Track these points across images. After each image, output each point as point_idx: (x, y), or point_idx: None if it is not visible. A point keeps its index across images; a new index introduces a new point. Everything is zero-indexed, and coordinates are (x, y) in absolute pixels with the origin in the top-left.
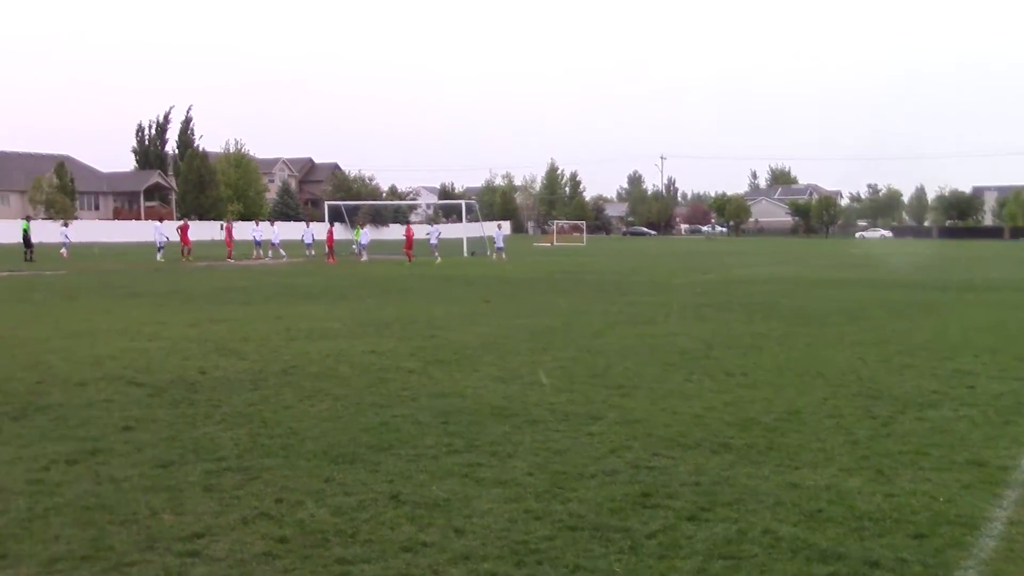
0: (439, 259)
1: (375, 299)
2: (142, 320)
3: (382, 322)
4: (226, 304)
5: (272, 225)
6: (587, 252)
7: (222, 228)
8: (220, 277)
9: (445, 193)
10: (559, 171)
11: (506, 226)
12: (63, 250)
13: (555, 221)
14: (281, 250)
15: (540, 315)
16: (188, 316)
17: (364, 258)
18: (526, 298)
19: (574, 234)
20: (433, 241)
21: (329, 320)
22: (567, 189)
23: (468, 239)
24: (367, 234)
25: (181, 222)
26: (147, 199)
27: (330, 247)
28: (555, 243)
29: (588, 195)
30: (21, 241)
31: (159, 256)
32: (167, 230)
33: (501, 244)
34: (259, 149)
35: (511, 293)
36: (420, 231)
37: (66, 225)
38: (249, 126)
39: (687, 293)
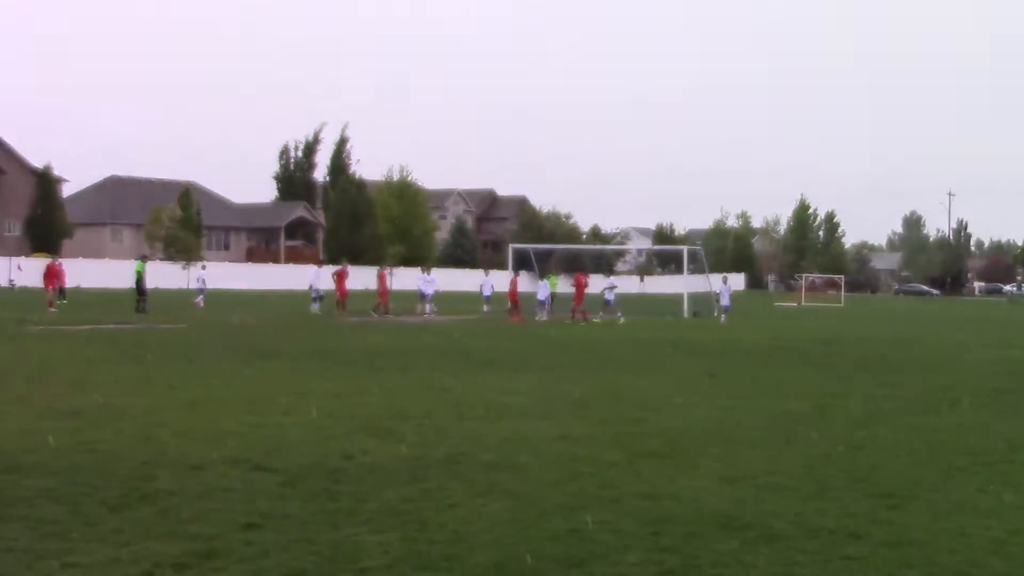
0: (622, 319)
1: (568, 369)
2: (275, 389)
3: (576, 399)
4: (380, 371)
5: (427, 273)
6: (846, 315)
7: (389, 274)
8: (374, 336)
9: (662, 236)
10: (811, 210)
11: (734, 280)
12: (199, 298)
13: (804, 275)
14: (429, 305)
15: (782, 396)
16: (332, 385)
17: (542, 316)
18: (763, 373)
19: (829, 292)
20: (608, 297)
21: (509, 394)
22: (820, 234)
23: (689, 295)
24: (545, 286)
25: (339, 267)
26: (288, 237)
27: (513, 302)
28: (803, 302)
29: (848, 242)
30: (133, 286)
31: (315, 307)
32: (326, 279)
33: (727, 302)
34: (428, 178)
35: (744, 366)
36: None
37: (203, 268)
38: (416, 151)
39: (982, 374)
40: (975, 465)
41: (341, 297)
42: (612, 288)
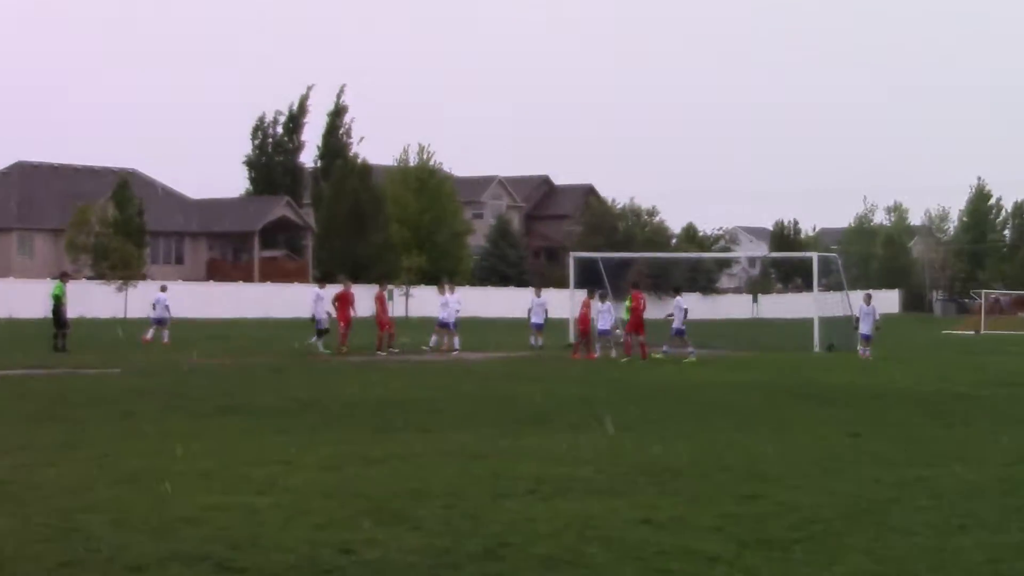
0: (693, 354)
1: (651, 425)
2: (245, 456)
3: (665, 467)
4: (391, 431)
5: (446, 293)
6: None
7: (405, 294)
8: (382, 382)
9: (782, 238)
10: (992, 200)
11: (883, 299)
12: (151, 332)
13: (983, 291)
14: (455, 338)
15: (954, 462)
16: (325, 451)
17: (605, 351)
18: (926, 430)
19: (1019, 314)
20: (678, 325)
21: (569, 462)
22: (1007, 233)
23: (822, 320)
24: (608, 310)
25: (340, 288)
26: (265, 245)
27: (584, 332)
28: (982, 329)
29: None
30: (50, 315)
31: (316, 342)
32: (328, 303)
33: (869, 330)
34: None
35: (899, 420)
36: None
37: (163, 290)
38: (441, 125)
39: None
40: None
41: (344, 328)
42: (682, 311)
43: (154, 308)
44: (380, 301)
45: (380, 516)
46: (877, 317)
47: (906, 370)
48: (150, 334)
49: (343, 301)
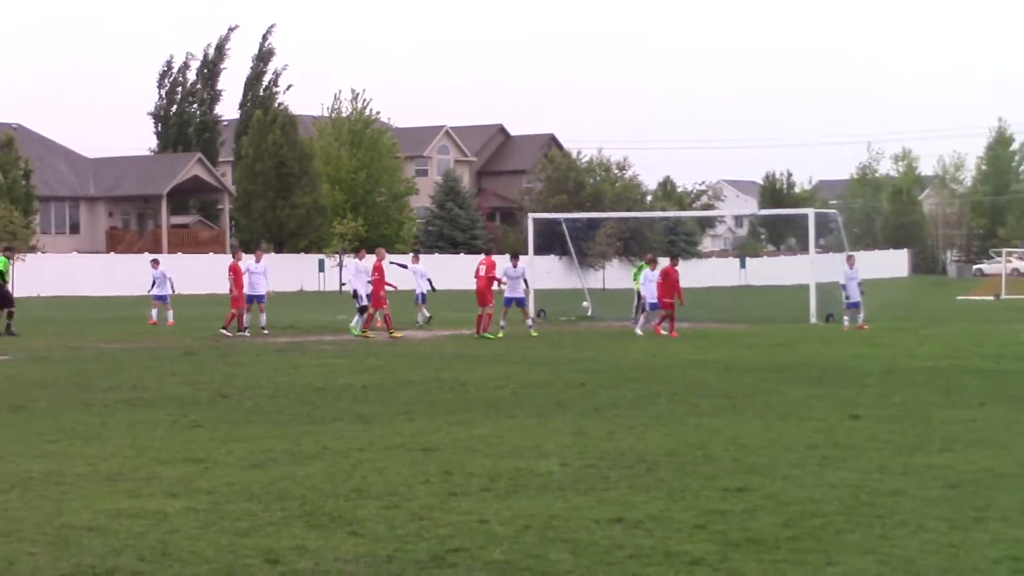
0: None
1: (624, 410)
2: (156, 454)
3: (639, 457)
4: (323, 421)
5: (358, 258)
6: None
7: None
8: (314, 366)
9: (773, 192)
10: (1015, 144)
11: (892, 259)
12: (167, 313)
13: (1004, 250)
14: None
15: (968, 447)
16: (248, 446)
17: (645, 326)
18: (938, 411)
19: None
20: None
21: (530, 455)
22: None
23: (819, 287)
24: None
25: (232, 257)
26: (175, 210)
27: (483, 295)
28: (1003, 294)
29: None
30: None
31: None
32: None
33: (857, 297)
34: (401, 112)
35: (905, 400)
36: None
37: (156, 262)
38: (381, 69)
39: None
40: None
41: (238, 306)
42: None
43: (158, 284)
44: (235, 273)
45: (312, 520)
46: (859, 279)
47: (914, 342)
48: (155, 314)
49: (237, 273)
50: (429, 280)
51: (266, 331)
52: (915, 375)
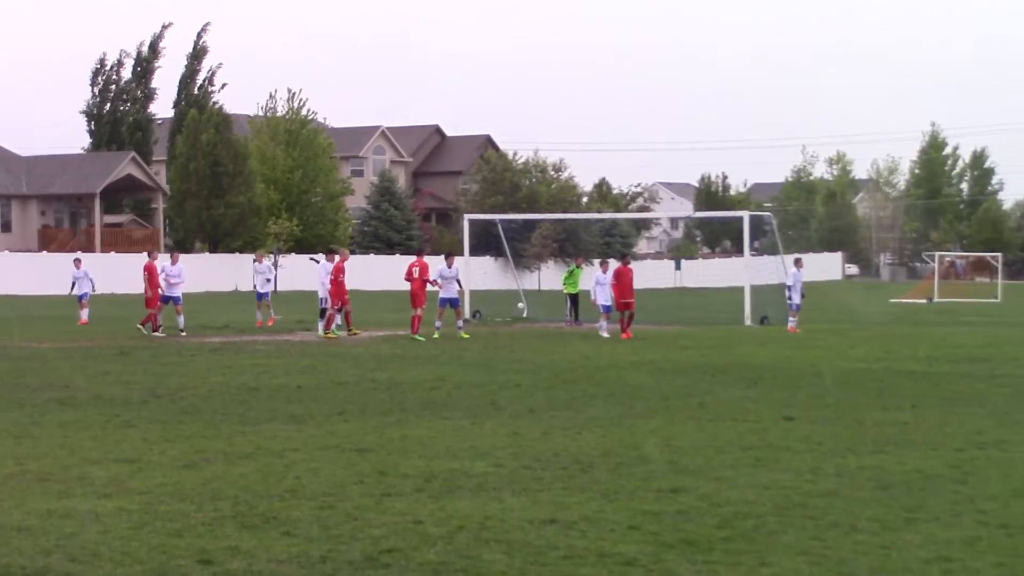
0: (464, 332)
1: (559, 411)
2: (87, 455)
3: (574, 458)
4: (257, 422)
5: (263, 261)
6: (1005, 315)
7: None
8: (247, 366)
9: (709, 195)
10: (947, 148)
11: (825, 263)
12: (84, 311)
13: (937, 253)
14: (260, 312)
15: (901, 448)
16: (180, 446)
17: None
18: (871, 412)
19: (976, 279)
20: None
21: (465, 455)
22: (964, 185)
23: (754, 289)
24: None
25: (148, 257)
26: (109, 209)
27: (417, 296)
28: (936, 296)
29: (1008, 199)
30: None
31: (172, 326)
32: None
33: (798, 299)
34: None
35: (837, 402)
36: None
37: (78, 260)
38: (317, 70)
39: None
40: None
41: (153, 306)
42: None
43: (79, 282)
44: (150, 273)
45: (245, 520)
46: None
47: (848, 344)
48: (84, 315)
49: (152, 274)
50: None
51: (183, 333)
52: (848, 377)
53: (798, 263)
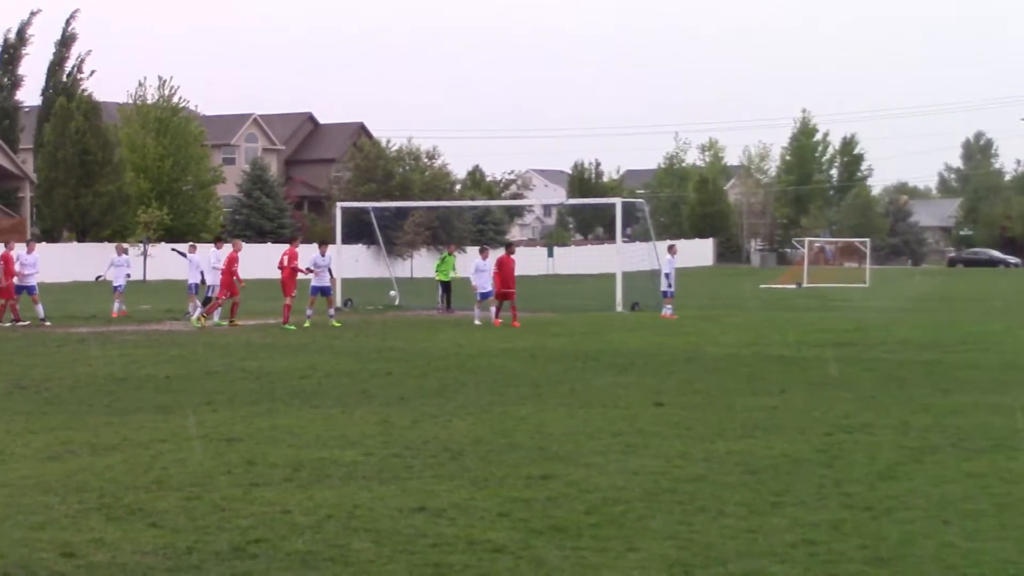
0: (307, 322)
1: (429, 399)
2: None
3: (443, 446)
4: (123, 412)
5: (121, 255)
6: (873, 300)
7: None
8: (114, 356)
9: (582, 182)
10: (818, 135)
11: (697, 249)
12: (118, 303)
13: (807, 239)
14: (118, 304)
15: (769, 433)
16: (44, 438)
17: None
18: (740, 398)
19: (845, 264)
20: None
21: (333, 444)
22: (833, 171)
23: (626, 276)
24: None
25: (2, 247)
26: None
27: (286, 283)
28: (805, 282)
29: (877, 185)
30: None
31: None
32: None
33: (670, 286)
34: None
35: (709, 387)
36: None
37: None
38: (186, 57)
39: None
40: None
41: (8, 296)
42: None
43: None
44: (6, 262)
45: (111, 512)
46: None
47: (718, 330)
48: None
49: (8, 263)
50: (202, 273)
51: (47, 323)
52: (718, 363)
53: (672, 250)
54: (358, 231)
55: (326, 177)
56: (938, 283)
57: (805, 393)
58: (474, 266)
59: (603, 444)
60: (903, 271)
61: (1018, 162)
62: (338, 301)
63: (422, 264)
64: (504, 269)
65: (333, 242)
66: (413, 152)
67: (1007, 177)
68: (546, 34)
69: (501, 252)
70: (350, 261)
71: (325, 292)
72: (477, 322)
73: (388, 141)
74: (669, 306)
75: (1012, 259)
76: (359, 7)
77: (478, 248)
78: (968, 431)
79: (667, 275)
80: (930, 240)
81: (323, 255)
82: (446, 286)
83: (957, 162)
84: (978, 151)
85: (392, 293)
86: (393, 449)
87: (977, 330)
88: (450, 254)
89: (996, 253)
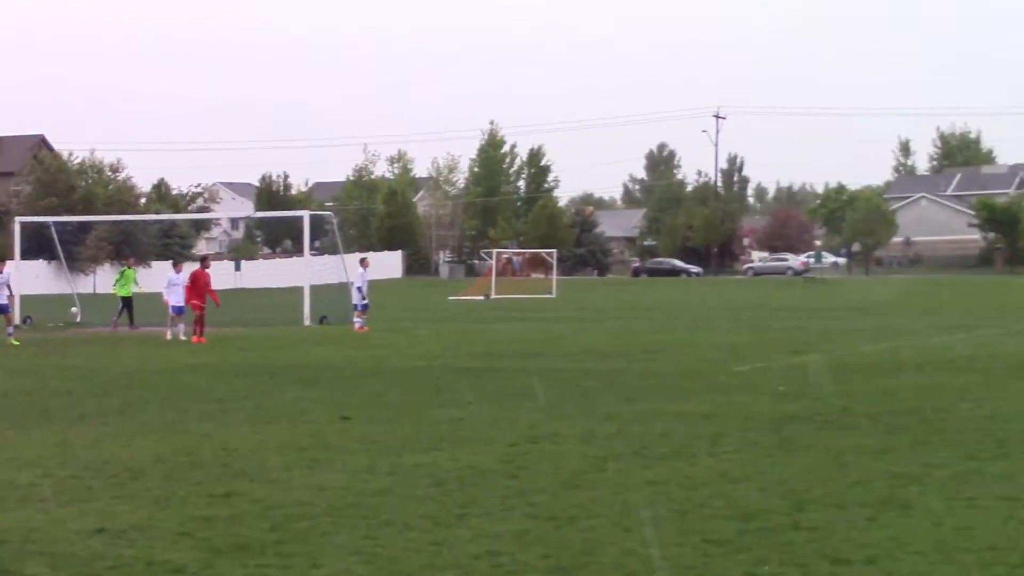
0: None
1: (109, 418)
2: None
3: (124, 466)
4: None
5: None
6: (561, 311)
7: None
8: None
9: (270, 195)
10: (506, 146)
11: (385, 261)
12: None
13: (495, 251)
14: None
15: (456, 444)
16: None
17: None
18: (429, 410)
19: (532, 276)
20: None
21: (11, 466)
22: (521, 182)
23: (313, 289)
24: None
25: None
26: None
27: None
28: (493, 294)
29: (563, 196)
30: None
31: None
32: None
33: (362, 299)
34: None
35: (398, 399)
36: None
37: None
38: None
39: (759, 394)
40: (743, 535)
41: None
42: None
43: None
44: None
45: None
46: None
47: (407, 343)
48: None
49: None
50: None
51: None
52: (407, 375)
53: (364, 263)
54: (39, 246)
55: (5, 191)
56: (624, 294)
57: (492, 404)
58: (167, 280)
59: (288, 460)
60: (589, 282)
61: (699, 173)
62: (17, 319)
63: (105, 279)
64: (197, 283)
65: (12, 258)
66: (96, 165)
67: (689, 188)
68: (226, 46)
69: (196, 266)
70: (30, 277)
71: (3, 310)
72: (168, 337)
73: (70, 154)
74: (360, 319)
75: (694, 268)
76: (32, 15)
77: (171, 262)
78: (650, 439)
79: (359, 288)
80: (615, 250)
81: (1, 272)
82: (127, 301)
83: (641, 173)
84: (661, 162)
85: (74, 309)
86: (72, 470)
87: (660, 339)
88: (129, 268)
89: (679, 263)
